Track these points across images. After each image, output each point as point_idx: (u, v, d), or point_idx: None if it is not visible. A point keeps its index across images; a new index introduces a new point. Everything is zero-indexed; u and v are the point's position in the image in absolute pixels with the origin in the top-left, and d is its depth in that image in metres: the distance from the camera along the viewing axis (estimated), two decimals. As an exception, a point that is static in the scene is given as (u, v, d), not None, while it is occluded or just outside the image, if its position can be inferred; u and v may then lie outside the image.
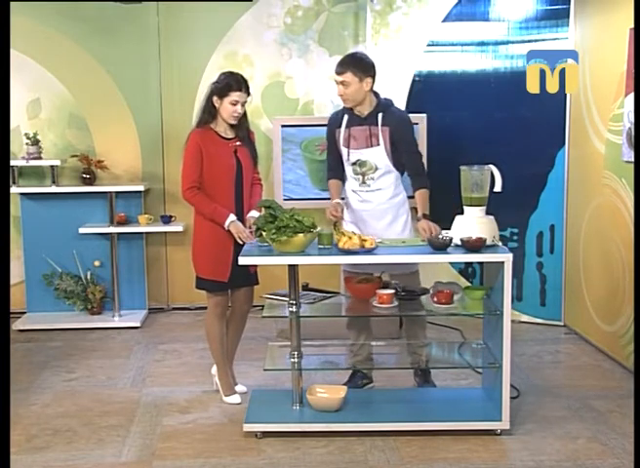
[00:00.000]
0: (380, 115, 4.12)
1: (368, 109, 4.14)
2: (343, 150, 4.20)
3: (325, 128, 4.35)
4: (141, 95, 5.95)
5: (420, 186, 4.17)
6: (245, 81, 4.03)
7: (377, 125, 4.11)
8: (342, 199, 4.29)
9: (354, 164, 4.18)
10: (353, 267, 4.15)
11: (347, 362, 4.34)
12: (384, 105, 4.17)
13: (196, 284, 4.17)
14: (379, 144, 4.12)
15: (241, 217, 4.06)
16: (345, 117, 4.19)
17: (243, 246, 3.94)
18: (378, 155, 4.13)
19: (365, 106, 4.14)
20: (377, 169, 4.14)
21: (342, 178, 4.31)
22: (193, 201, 4.03)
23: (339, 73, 4.07)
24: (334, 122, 4.27)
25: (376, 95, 4.17)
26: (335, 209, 4.20)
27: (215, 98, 4.00)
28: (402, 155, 4.15)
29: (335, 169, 4.32)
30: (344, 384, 4.25)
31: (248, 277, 4.15)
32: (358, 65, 4.07)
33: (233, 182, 4.06)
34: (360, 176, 4.18)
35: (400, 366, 4.46)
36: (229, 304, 4.25)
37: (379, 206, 4.20)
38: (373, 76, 4.10)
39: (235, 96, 3.97)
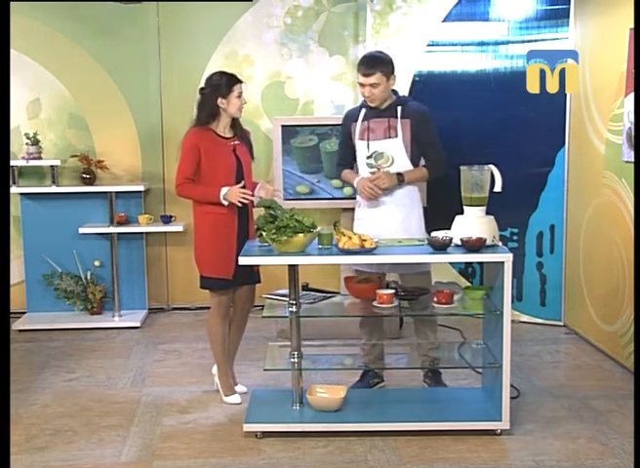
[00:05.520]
0: (399, 108, 4.12)
1: (387, 103, 4.14)
2: (360, 144, 4.18)
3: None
4: (141, 95, 5.95)
5: (426, 167, 4.17)
6: (233, 74, 4.13)
7: (396, 117, 4.11)
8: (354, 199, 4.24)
9: (370, 157, 4.15)
10: (361, 267, 4.14)
11: (360, 361, 4.30)
12: (403, 99, 4.20)
13: (200, 283, 4.16)
14: (397, 136, 4.10)
15: (244, 215, 4.07)
16: (363, 111, 4.19)
17: (245, 242, 3.98)
18: (395, 147, 4.11)
19: (386, 102, 4.14)
20: (393, 162, 4.12)
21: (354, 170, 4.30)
22: (184, 193, 4.06)
23: (367, 75, 4.05)
24: (350, 117, 4.27)
25: (393, 90, 4.18)
26: (368, 182, 4.11)
27: (220, 100, 4.02)
28: (422, 146, 4.14)
29: (345, 163, 4.32)
30: (355, 384, 4.26)
31: (251, 275, 4.16)
32: (386, 65, 4.07)
33: (234, 180, 4.06)
34: (375, 170, 4.14)
35: (407, 366, 4.47)
36: (231, 304, 4.25)
37: (392, 201, 4.15)
38: (394, 72, 4.12)
39: (238, 88, 4.06)
